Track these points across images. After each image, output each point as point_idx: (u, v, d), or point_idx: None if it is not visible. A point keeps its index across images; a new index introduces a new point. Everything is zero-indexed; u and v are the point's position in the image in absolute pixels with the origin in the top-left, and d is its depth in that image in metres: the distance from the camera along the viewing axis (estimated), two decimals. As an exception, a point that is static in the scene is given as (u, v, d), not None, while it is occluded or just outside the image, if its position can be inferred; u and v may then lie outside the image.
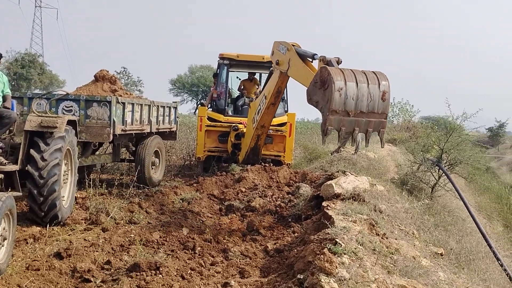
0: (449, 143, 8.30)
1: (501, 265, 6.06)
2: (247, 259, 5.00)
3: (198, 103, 62.47)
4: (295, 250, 4.44)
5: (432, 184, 8.36)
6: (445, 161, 8.39)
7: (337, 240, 3.75)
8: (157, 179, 9.53)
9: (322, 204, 5.30)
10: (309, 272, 3.60)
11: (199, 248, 5.27)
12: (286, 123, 10.69)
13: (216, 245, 5.45)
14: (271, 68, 8.52)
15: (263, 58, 10.94)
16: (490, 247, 6.07)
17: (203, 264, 4.75)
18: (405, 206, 6.12)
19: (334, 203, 5.27)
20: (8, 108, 5.83)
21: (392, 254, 3.93)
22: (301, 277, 3.63)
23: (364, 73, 5.80)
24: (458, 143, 8.29)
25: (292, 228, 5.93)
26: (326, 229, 4.17)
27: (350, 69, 5.84)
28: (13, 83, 48.26)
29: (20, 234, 5.34)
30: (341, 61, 6.48)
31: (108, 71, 8.99)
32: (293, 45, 7.63)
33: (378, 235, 4.28)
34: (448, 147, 8.31)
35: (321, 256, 3.34)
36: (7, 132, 5.82)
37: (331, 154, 13.30)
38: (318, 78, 5.84)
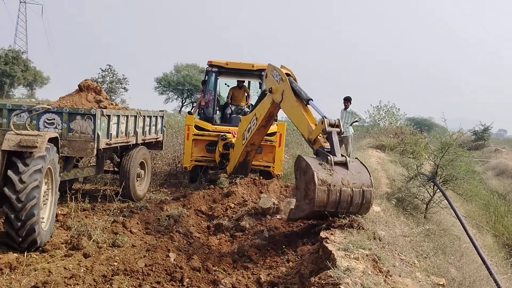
0: (444, 159, 8.12)
1: None
2: (239, 293, 4.70)
3: (184, 101, 62.14)
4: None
5: (426, 200, 8.16)
6: (439, 177, 8.20)
7: (341, 286, 3.48)
8: (142, 191, 9.21)
9: (320, 235, 5.03)
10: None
11: (187, 279, 4.97)
12: (276, 132, 10.42)
13: (205, 275, 5.15)
14: (264, 89, 8.25)
15: (253, 66, 10.68)
16: (491, 274, 5.89)
17: (192, 300, 4.45)
18: (404, 231, 5.89)
19: (332, 233, 5.00)
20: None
21: (397, 297, 3.69)
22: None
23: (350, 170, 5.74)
24: (453, 159, 8.11)
25: (286, 256, 5.65)
26: (328, 271, 3.89)
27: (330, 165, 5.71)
28: (-5, 79, 47.17)
29: (-5, 262, 4.97)
30: (343, 133, 6.41)
31: (93, 81, 8.62)
32: (288, 74, 7.36)
33: (382, 272, 4.03)
34: (443, 163, 8.13)
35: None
36: (-17, 151, 5.42)
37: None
38: (303, 170, 5.83)
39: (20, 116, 6.92)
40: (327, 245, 4.56)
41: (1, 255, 5.29)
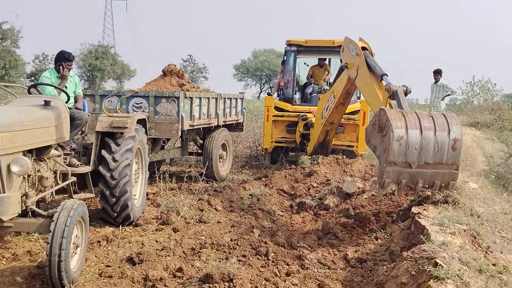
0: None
1: None
2: (325, 268, 4.62)
3: (262, 87, 62.66)
4: (384, 267, 3.99)
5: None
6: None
7: (436, 260, 3.26)
8: (225, 172, 9.39)
9: (412, 211, 4.78)
10: (404, 296, 3.17)
11: (272, 254, 4.96)
12: (359, 110, 10.08)
13: (290, 251, 5.12)
14: (341, 64, 7.99)
15: (333, 43, 10.36)
16: None
17: (278, 273, 4.44)
18: (504, 208, 5.44)
19: (425, 209, 4.73)
20: (80, 109, 5.80)
21: (501, 273, 3.40)
22: (393, 301, 3.20)
23: (432, 117, 5.13)
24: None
25: (374, 234, 5.45)
26: (421, 245, 3.68)
27: (415, 112, 5.20)
28: (88, 74, 50.76)
29: (93, 235, 5.32)
30: (410, 91, 5.89)
31: (175, 65, 8.90)
32: (364, 48, 7.05)
33: (481, 248, 3.74)
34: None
35: (424, 288, 2.88)
36: (79, 133, 5.80)
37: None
38: (377, 120, 5.25)
39: (111, 101, 7.32)
40: (419, 220, 4.32)
41: (98, 229, 5.64)
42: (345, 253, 4.96)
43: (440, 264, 3.21)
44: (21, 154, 4.02)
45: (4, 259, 4.65)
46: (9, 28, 42.17)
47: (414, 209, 4.76)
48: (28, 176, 4.20)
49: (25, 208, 4.07)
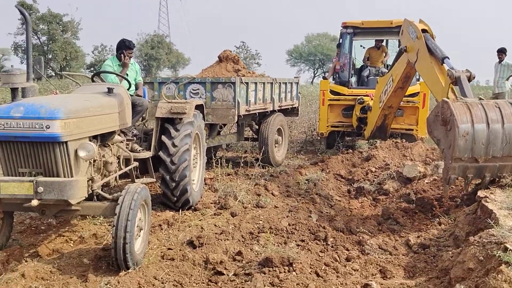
0: None
1: None
2: (387, 254, 4.51)
3: (316, 72, 61.90)
4: (450, 253, 3.84)
5: None
6: None
7: (506, 245, 3.09)
8: (280, 157, 9.39)
9: (478, 194, 4.56)
10: (472, 283, 3.04)
11: (331, 239, 4.91)
12: (418, 93, 9.72)
13: (349, 236, 5.04)
14: (401, 47, 7.70)
15: (391, 23, 10.02)
16: None
17: (338, 258, 4.39)
18: None
19: (492, 193, 4.49)
20: (140, 96, 5.96)
21: None
22: (461, 288, 3.07)
23: (499, 107, 4.82)
24: None
25: (437, 219, 5.26)
26: (489, 230, 3.50)
27: (481, 103, 4.89)
28: (144, 63, 52.31)
29: (155, 219, 5.48)
30: (474, 76, 5.58)
31: (231, 51, 8.94)
32: (425, 31, 6.74)
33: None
34: None
35: (498, 275, 2.74)
36: (140, 119, 5.97)
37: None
38: (440, 112, 4.99)
39: (169, 88, 7.48)
40: (486, 204, 4.11)
41: (159, 213, 5.81)
42: (407, 238, 4.82)
43: (510, 249, 3.04)
44: (87, 140, 4.18)
45: (72, 242, 4.89)
46: (69, 21, 44.06)
47: (481, 193, 4.54)
48: (94, 161, 4.37)
49: (91, 192, 4.24)
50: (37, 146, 3.82)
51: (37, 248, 4.60)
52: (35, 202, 3.71)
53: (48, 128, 3.71)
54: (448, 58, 6.11)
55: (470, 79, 5.57)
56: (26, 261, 4.28)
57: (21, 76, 4.36)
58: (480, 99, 5.18)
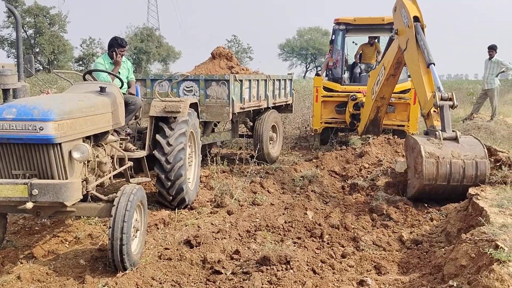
0: None
1: None
2: (381, 250, 4.56)
3: (308, 66, 61.82)
4: (443, 249, 3.89)
5: None
6: None
7: (497, 242, 3.14)
8: (275, 153, 9.41)
9: (469, 192, 4.62)
10: (465, 280, 3.09)
11: (327, 236, 4.96)
12: (409, 89, 9.79)
13: (344, 232, 5.09)
14: (391, 34, 7.75)
15: (383, 20, 10.08)
16: None
17: (334, 255, 4.43)
18: None
19: (483, 190, 4.55)
20: (133, 94, 5.95)
21: None
22: (454, 285, 3.12)
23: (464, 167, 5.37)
24: None
25: (429, 214, 5.32)
26: (481, 227, 3.55)
27: (450, 162, 5.40)
28: (134, 57, 51.67)
29: (151, 218, 5.49)
30: (457, 105, 6.08)
31: (224, 48, 8.92)
32: (416, 19, 6.80)
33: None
34: None
35: (489, 274, 2.78)
36: (134, 117, 5.96)
37: (463, 121, 12.07)
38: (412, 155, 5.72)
39: (162, 85, 7.46)
40: (477, 201, 4.16)
41: (155, 213, 5.81)
42: (400, 234, 4.87)
43: (501, 247, 3.10)
44: (81, 141, 4.16)
45: (67, 242, 4.88)
46: (56, 13, 43.36)
47: (471, 190, 4.61)
48: (88, 161, 4.33)
49: (85, 193, 4.23)
50: (31, 148, 3.78)
51: (32, 249, 4.59)
52: (29, 205, 3.67)
53: (42, 129, 3.67)
54: (434, 64, 6.33)
55: (453, 107, 5.97)
56: (21, 263, 4.28)
57: (12, 77, 4.33)
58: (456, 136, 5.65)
